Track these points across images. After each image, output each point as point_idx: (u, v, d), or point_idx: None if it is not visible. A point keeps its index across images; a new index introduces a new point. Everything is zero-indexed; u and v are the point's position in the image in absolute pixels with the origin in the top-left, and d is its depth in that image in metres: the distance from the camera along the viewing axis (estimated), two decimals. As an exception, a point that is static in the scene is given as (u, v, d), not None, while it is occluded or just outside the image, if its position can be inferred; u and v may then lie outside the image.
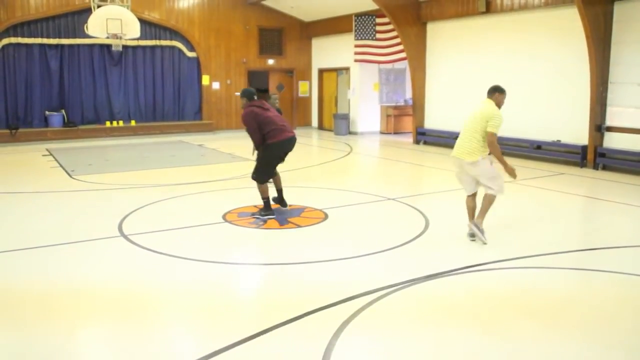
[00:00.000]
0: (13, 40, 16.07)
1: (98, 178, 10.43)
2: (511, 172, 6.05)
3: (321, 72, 20.40)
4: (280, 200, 7.72)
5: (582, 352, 3.85)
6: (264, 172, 7.50)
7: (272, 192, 7.69)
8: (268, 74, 20.33)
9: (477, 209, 6.38)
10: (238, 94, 7.61)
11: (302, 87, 20.65)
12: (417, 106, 15.99)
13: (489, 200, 6.21)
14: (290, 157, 9.55)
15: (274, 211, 7.52)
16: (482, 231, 6.18)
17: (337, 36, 19.00)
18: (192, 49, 18.58)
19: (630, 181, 10.14)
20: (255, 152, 7.98)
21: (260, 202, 7.60)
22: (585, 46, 11.06)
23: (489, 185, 6.13)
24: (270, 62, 20.00)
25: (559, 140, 12.14)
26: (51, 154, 13.70)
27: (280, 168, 9.20)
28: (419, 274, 5.27)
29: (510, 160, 12.25)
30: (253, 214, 7.53)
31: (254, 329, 4.10)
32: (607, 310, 4.54)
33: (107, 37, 14.40)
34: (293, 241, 6.56)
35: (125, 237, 6.57)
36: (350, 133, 18.63)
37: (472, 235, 6.29)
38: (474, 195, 6.40)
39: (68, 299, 4.79)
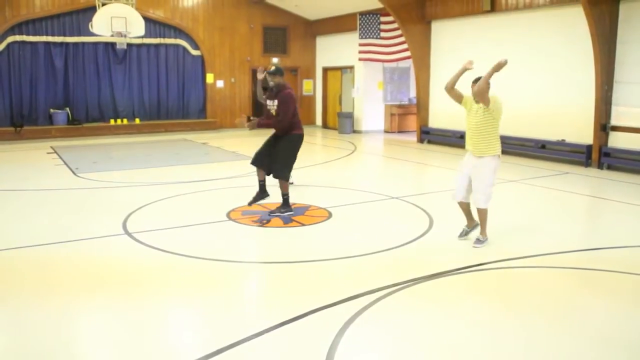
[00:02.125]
0: (18, 38, 16.11)
1: (102, 176, 10.45)
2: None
3: (325, 70, 20.38)
4: (263, 191, 7.58)
5: (585, 351, 3.84)
6: (290, 166, 7.41)
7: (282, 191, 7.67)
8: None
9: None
10: (269, 72, 7.37)
11: (307, 86, 20.65)
12: (421, 105, 15.97)
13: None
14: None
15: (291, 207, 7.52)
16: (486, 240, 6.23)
17: (341, 35, 18.98)
18: (196, 47, 18.59)
19: (635, 181, 10.11)
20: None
21: (272, 200, 7.62)
22: (591, 45, 11.02)
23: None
24: (275, 60, 19.99)
25: (564, 140, 12.10)
26: (56, 152, 13.73)
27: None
28: (422, 272, 5.27)
29: (515, 159, 12.33)
30: (271, 212, 7.45)
31: (258, 327, 4.11)
32: (611, 310, 4.53)
33: (112, 35, 14.45)
34: (297, 239, 6.56)
35: (130, 235, 6.58)
36: (354, 132, 18.61)
37: (465, 234, 6.35)
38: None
39: (70, 296, 4.80)
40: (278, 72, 7.25)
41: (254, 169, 8.94)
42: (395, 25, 16.22)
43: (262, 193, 7.54)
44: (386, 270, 5.42)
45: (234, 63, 19.23)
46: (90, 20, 14.45)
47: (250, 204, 7.58)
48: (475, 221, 6.34)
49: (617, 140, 11.28)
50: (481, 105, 5.94)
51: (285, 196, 7.40)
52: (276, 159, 7.29)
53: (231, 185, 9.54)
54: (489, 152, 5.97)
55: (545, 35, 12.45)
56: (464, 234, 6.35)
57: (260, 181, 7.52)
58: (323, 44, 20.37)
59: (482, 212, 6.13)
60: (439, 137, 15.45)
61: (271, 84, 7.27)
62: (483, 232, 6.20)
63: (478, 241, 6.13)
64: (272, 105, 7.27)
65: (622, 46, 11.01)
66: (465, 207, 6.33)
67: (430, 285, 5.03)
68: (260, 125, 7.35)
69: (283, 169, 7.30)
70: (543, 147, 12.54)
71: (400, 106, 18.82)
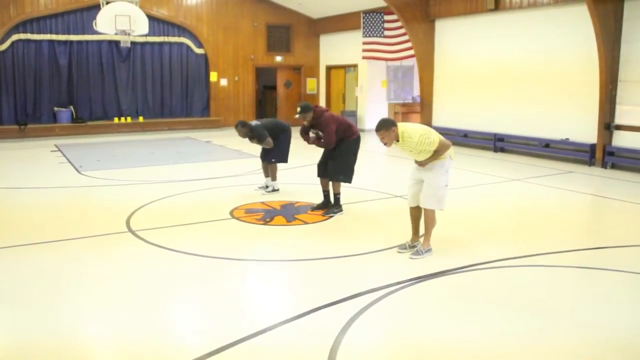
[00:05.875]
0: (22, 36, 16.13)
1: (106, 174, 10.47)
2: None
3: (329, 69, 20.37)
4: (327, 201, 7.69)
5: (589, 351, 3.84)
6: (343, 168, 7.40)
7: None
8: (276, 71, 20.34)
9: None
10: (298, 115, 7.47)
11: (310, 84, 20.64)
12: (425, 104, 15.95)
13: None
14: (298, 153, 9.59)
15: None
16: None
17: (345, 33, 18.96)
18: (200, 45, 18.60)
19: (639, 180, 10.08)
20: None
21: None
22: (595, 44, 11.00)
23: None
24: (278, 58, 20.00)
25: (568, 139, 12.08)
26: (59, 150, 13.76)
27: (288, 165, 9.22)
28: (426, 271, 5.27)
29: (519, 158, 12.30)
30: (326, 213, 7.45)
31: (261, 325, 4.11)
32: (616, 309, 4.52)
33: (116, 34, 14.47)
34: (300, 238, 6.57)
35: (133, 232, 6.59)
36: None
37: (403, 249, 5.85)
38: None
39: (74, 294, 4.82)
40: (305, 109, 7.32)
41: (257, 167, 9.00)
42: (399, 24, 16.20)
43: (326, 201, 7.60)
44: (389, 268, 5.42)
45: (237, 61, 19.23)
46: (94, 18, 14.46)
47: (313, 209, 7.63)
48: (418, 240, 5.88)
49: (621, 139, 11.25)
50: (400, 143, 5.50)
51: (337, 195, 7.50)
52: (332, 163, 7.42)
53: (234, 184, 9.54)
54: (438, 162, 5.63)
55: (549, 34, 12.42)
56: (403, 248, 5.84)
57: (324, 191, 7.62)
58: (327, 42, 20.35)
59: (429, 217, 5.71)
60: (443, 135, 15.36)
61: (305, 123, 7.40)
62: (426, 241, 5.76)
63: (417, 252, 5.66)
64: (318, 133, 7.43)
65: (627, 45, 10.98)
66: (416, 216, 5.90)
67: (433, 284, 5.03)
68: (313, 143, 7.46)
69: (335, 172, 7.40)
70: (547, 146, 12.53)
71: (404, 105, 18.77)
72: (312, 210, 7.58)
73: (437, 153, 5.57)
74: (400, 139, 5.49)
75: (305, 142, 7.55)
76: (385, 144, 5.52)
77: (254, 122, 8.75)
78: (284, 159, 8.75)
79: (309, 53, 20.47)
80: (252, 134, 8.52)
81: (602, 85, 11.13)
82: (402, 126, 5.53)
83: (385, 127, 5.43)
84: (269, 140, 8.47)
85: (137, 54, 17.83)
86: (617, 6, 10.91)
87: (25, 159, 12.65)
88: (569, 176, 10.52)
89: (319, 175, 7.61)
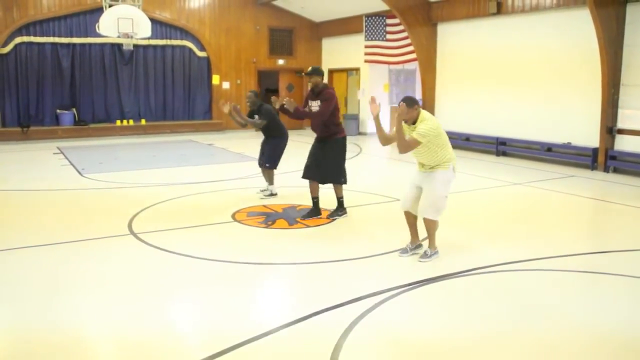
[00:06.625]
0: (25, 39, 16.19)
1: (108, 176, 10.48)
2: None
3: (331, 72, 20.37)
4: (317, 208, 7.53)
5: (592, 355, 3.83)
6: (342, 169, 7.33)
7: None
8: (278, 74, 20.37)
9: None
10: (306, 74, 7.38)
11: (312, 88, 20.62)
12: (427, 107, 15.92)
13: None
14: (300, 157, 9.56)
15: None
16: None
17: (347, 37, 18.98)
18: (202, 48, 18.64)
19: (641, 184, 10.08)
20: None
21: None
22: (597, 48, 10.99)
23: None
24: (281, 62, 20.03)
25: (570, 143, 12.07)
26: (62, 152, 13.79)
27: (289, 167, 9.24)
28: (427, 274, 5.26)
29: (521, 162, 12.29)
30: (329, 215, 7.41)
31: (262, 329, 4.11)
32: (617, 313, 4.51)
33: (119, 37, 14.52)
34: (302, 241, 6.56)
35: (135, 235, 6.60)
36: (359, 134, 18.61)
37: (404, 253, 5.87)
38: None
39: (75, 296, 4.82)
40: (315, 71, 7.24)
41: (259, 170, 9.00)
42: (401, 28, 16.21)
43: (316, 209, 7.44)
44: (391, 272, 5.42)
45: (240, 65, 19.26)
46: (97, 21, 14.51)
47: (303, 218, 7.39)
48: (419, 240, 5.93)
49: (623, 143, 11.23)
50: (414, 126, 5.48)
51: (341, 199, 7.46)
52: (327, 167, 7.26)
53: (236, 187, 9.55)
54: (439, 168, 5.58)
55: (551, 38, 12.42)
56: (405, 252, 5.85)
57: (313, 198, 7.46)
58: (329, 45, 20.38)
59: (429, 223, 5.68)
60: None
61: (309, 85, 7.33)
62: (431, 244, 5.77)
63: (424, 255, 5.70)
64: (315, 105, 7.23)
65: (629, 49, 10.97)
66: (412, 220, 5.89)
67: (435, 288, 5.03)
68: (297, 112, 7.10)
69: (336, 175, 7.32)
70: (549, 150, 12.51)
71: (405, 108, 18.77)
72: (301, 219, 7.34)
73: (408, 141, 5.41)
74: (417, 123, 5.47)
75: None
76: (404, 120, 5.51)
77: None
78: (274, 164, 8.64)
79: (311, 56, 20.48)
80: (259, 109, 8.47)
81: (604, 89, 11.12)
82: (424, 113, 5.52)
83: (410, 103, 5.44)
84: (265, 121, 8.39)
85: (139, 57, 17.88)
86: (620, 10, 10.91)
87: (28, 161, 12.67)
88: (571, 180, 10.51)
89: (309, 177, 7.36)
